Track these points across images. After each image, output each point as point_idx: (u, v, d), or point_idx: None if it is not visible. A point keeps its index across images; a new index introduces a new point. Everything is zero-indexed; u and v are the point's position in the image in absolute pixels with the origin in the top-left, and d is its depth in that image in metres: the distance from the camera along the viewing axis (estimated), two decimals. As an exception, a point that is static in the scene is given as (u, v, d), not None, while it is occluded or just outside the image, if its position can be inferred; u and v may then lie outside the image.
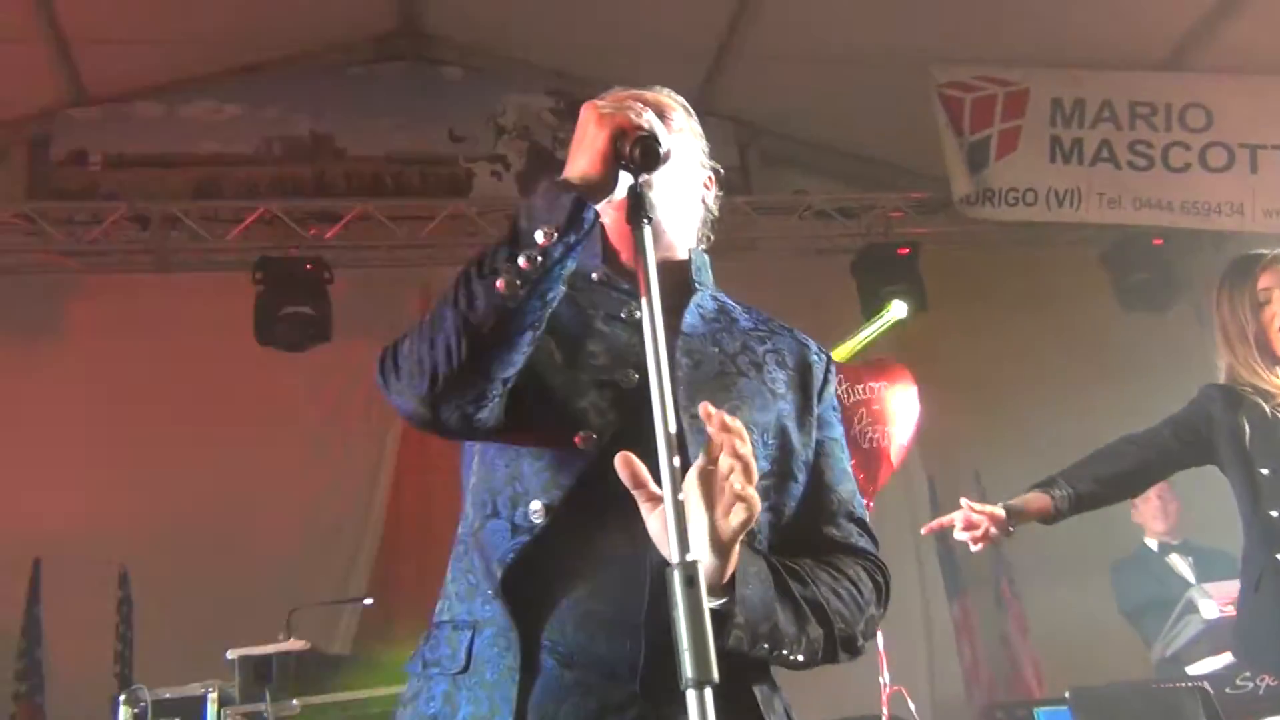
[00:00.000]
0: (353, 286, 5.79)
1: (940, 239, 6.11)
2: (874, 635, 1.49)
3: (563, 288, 1.39)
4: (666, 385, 1.17)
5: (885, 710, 3.71)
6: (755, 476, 1.22)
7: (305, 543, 5.59)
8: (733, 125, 6.83)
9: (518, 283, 1.32)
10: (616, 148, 1.33)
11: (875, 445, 4.22)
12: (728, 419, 1.22)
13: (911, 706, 3.71)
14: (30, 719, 4.75)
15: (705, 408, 1.23)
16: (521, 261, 1.32)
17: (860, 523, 1.56)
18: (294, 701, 3.55)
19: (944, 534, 5.84)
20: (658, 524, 1.24)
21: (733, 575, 1.27)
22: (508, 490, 1.45)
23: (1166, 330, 6.17)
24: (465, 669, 1.40)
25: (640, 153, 1.32)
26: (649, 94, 1.65)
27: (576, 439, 1.42)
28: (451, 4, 6.41)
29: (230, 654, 3.60)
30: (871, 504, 3.96)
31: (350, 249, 5.83)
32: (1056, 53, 5.94)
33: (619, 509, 1.29)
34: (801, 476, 1.52)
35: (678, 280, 1.60)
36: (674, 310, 1.53)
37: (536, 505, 1.41)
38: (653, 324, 1.20)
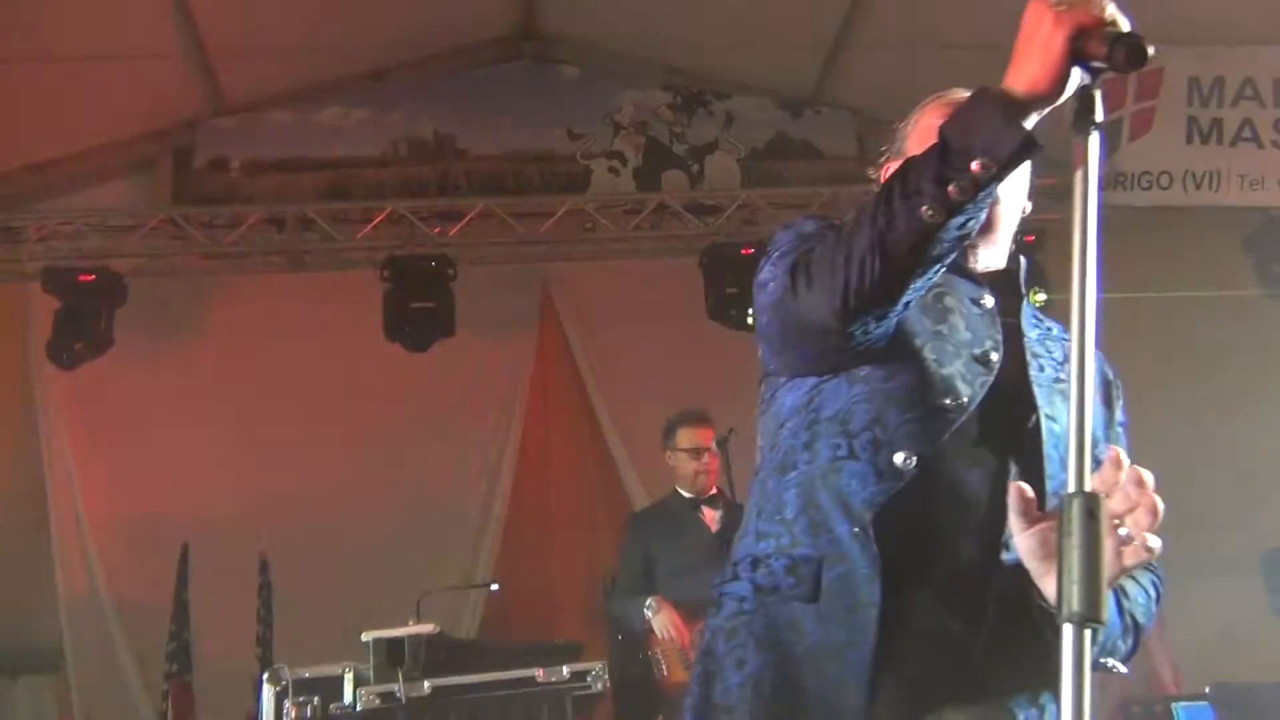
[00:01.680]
0: (476, 282, 5.93)
1: (1068, 226, 5.90)
2: None
3: (984, 215, 1.35)
4: (1090, 306, 1.08)
5: None
6: (1157, 518, 1.21)
7: (433, 531, 5.77)
8: (850, 115, 6.77)
9: (944, 209, 1.29)
10: (1077, 47, 1.20)
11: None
12: (1125, 462, 1.21)
13: None
14: (180, 697, 5.01)
15: (1117, 453, 1.22)
16: (951, 189, 1.28)
17: None
18: (425, 683, 3.66)
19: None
20: (1030, 543, 1.29)
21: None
22: (867, 435, 1.46)
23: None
24: (813, 598, 1.44)
25: (1126, 52, 1.16)
26: None
27: (947, 400, 1.45)
28: (568, 5, 6.51)
29: (365, 636, 3.74)
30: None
31: (473, 246, 5.97)
32: (1193, 29, 5.69)
33: (972, 477, 1.44)
34: None
35: (1007, 284, 1.61)
36: (1010, 312, 1.57)
37: (902, 456, 1.43)
38: (1083, 245, 1.11)
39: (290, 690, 3.57)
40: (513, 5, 6.56)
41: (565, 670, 3.73)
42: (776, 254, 1.53)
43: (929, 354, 1.48)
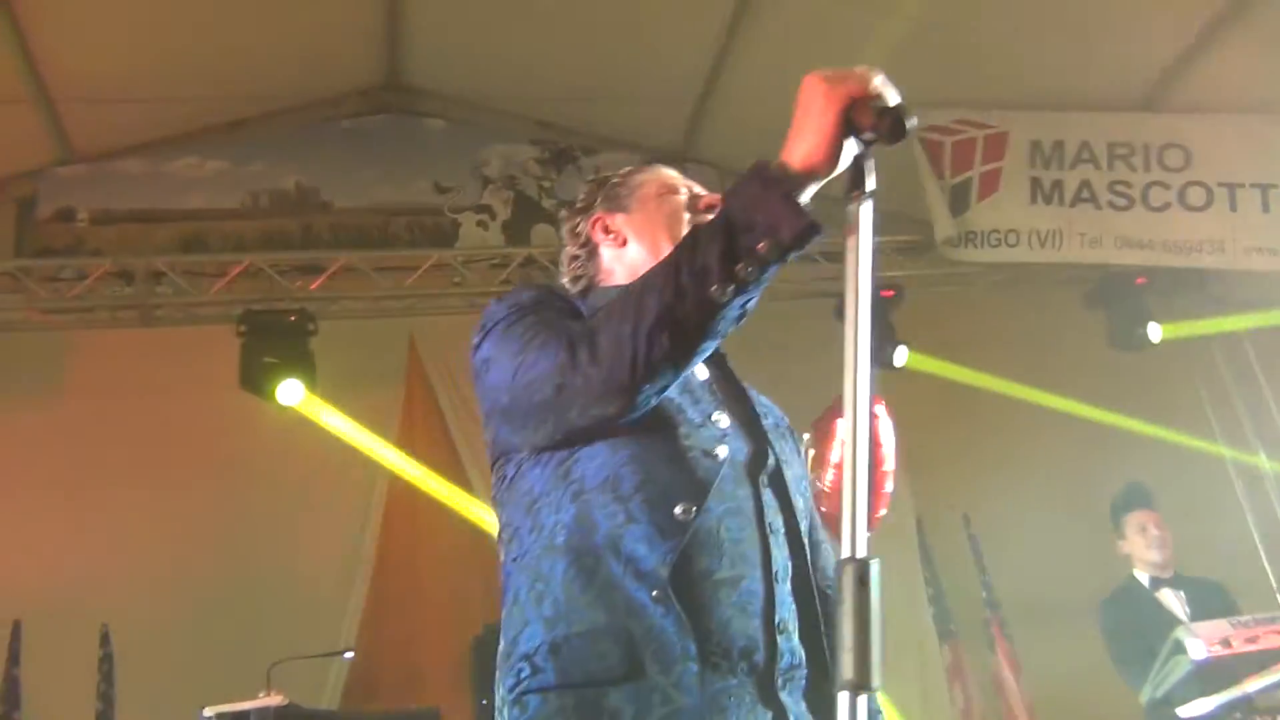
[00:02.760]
0: (339, 337, 5.79)
1: (924, 281, 6.13)
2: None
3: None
4: (865, 370, 1.14)
5: None
6: None
7: (291, 597, 5.54)
8: (716, 173, 6.88)
9: (732, 287, 1.32)
10: (849, 119, 1.27)
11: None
12: None
13: None
14: (9, 782, 4.69)
15: None
16: (738, 268, 1.31)
17: None
18: (273, 760, 3.50)
19: (934, 573, 5.88)
20: None
21: None
22: (640, 495, 1.47)
23: (1151, 368, 6.17)
24: (629, 675, 1.38)
25: (890, 123, 1.25)
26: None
27: (712, 451, 1.52)
28: (435, 57, 6.48)
29: (207, 711, 3.56)
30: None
31: (335, 299, 5.83)
32: (1034, 95, 6.00)
33: (738, 519, 1.51)
34: None
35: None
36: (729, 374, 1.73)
37: (681, 508, 1.46)
38: (856, 310, 1.15)
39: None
40: (377, 57, 6.50)
41: (426, 741, 3.61)
42: (499, 328, 1.55)
43: (688, 412, 1.55)
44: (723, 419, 1.61)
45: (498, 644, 1.52)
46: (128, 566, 5.21)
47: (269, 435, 5.69)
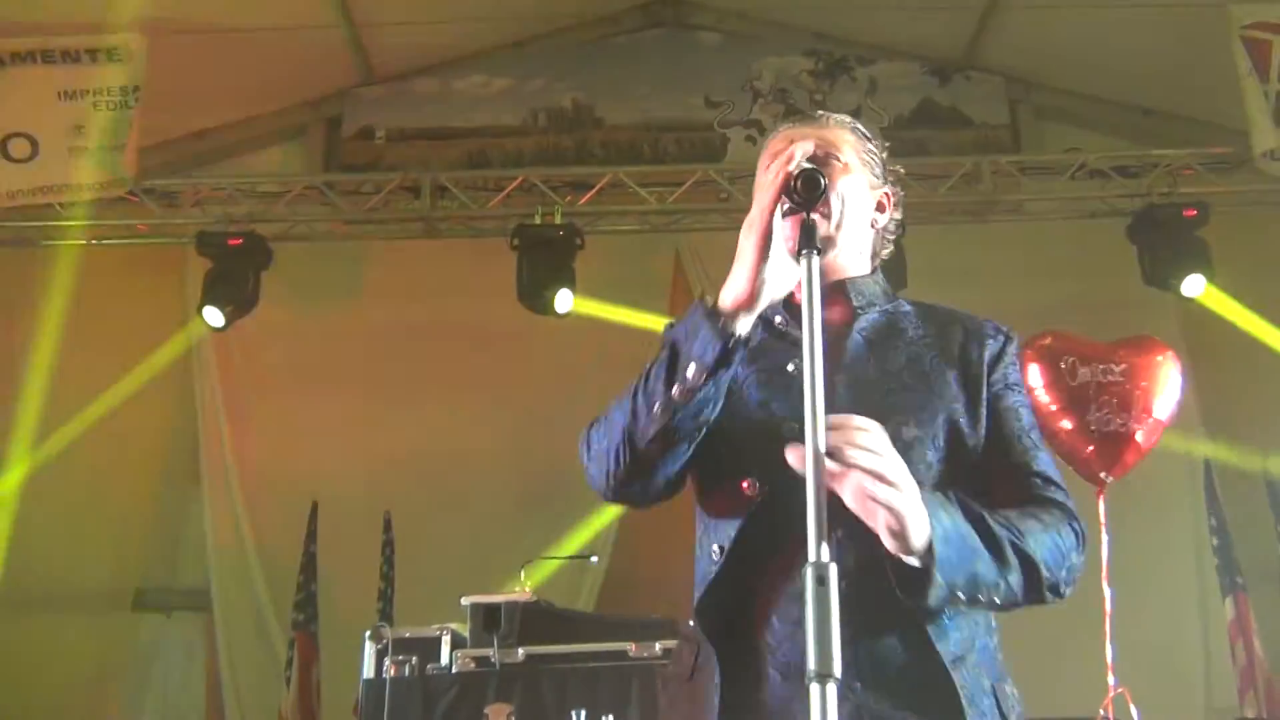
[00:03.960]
0: (607, 251, 5.93)
1: (1234, 200, 5.47)
2: (1074, 582, 1.51)
3: (719, 404, 1.49)
4: (820, 398, 1.26)
5: (1104, 713, 3.39)
6: (889, 482, 1.31)
7: (557, 500, 5.80)
8: (1003, 80, 6.44)
9: (671, 408, 1.46)
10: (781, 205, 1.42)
11: (1118, 429, 3.84)
12: (856, 421, 1.33)
13: (1135, 712, 3.37)
14: (305, 646, 5.26)
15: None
16: (675, 390, 1.45)
17: (1044, 478, 1.59)
18: (519, 650, 3.71)
19: (1221, 520, 5.33)
20: (847, 498, 1.36)
21: (929, 537, 1.34)
22: (699, 532, 1.65)
23: None
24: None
25: (800, 188, 1.41)
26: (823, 131, 1.70)
27: (744, 485, 1.55)
28: (709, -31, 6.40)
29: (464, 600, 3.81)
30: (1103, 491, 3.61)
31: (602, 214, 5.96)
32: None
33: (783, 546, 1.49)
34: (978, 459, 1.59)
35: (845, 307, 1.69)
36: (838, 339, 1.63)
37: (715, 548, 1.57)
38: (811, 354, 1.28)
39: (390, 649, 3.67)
40: (655, -30, 6.50)
41: (658, 646, 3.71)
42: None
43: (730, 441, 1.59)
44: (785, 433, 1.63)
45: None
46: (412, 459, 5.65)
47: (543, 343, 5.95)
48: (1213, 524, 5.28)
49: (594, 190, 5.94)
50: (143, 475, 6.17)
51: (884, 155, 1.77)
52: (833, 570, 1.16)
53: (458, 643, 3.73)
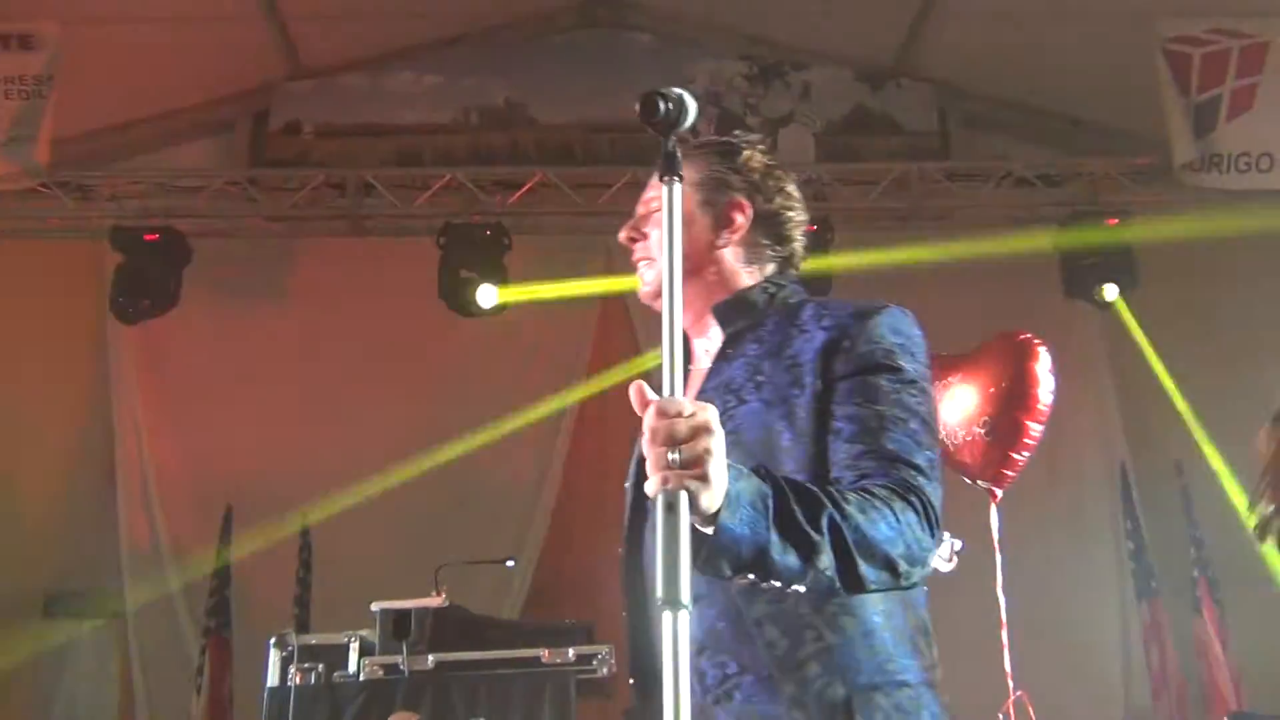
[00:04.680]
0: (534, 251, 5.86)
1: (1156, 208, 5.55)
2: (923, 562, 1.42)
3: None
4: (678, 331, 1.27)
5: (1003, 716, 3.40)
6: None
7: (478, 504, 5.74)
8: (932, 88, 6.47)
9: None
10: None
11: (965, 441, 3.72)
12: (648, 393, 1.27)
13: (1032, 715, 3.38)
14: (217, 652, 5.13)
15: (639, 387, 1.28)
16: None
17: (890, 456, 1.49)
18: (429, 657, 3.63)
19: (1136, 525, 5.40)
20: None
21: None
22: None
23: None
24: None
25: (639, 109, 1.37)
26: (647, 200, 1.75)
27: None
28: (643, -31, 6.37)
29: (374, 606, 3.72)
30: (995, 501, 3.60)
31: (530, 214, 5.90)
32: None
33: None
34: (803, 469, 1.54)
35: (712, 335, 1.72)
36: (716, 364, 1.69)
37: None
38: (671, 289, 1.28)
39: (296, 656, 3.58)
40: (589, -30, 6.45)
41: (571, 652, 3.66)
42: None
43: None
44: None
45: None
46: (329, 462, 5.52)
47: (466, 347, 5.86)
48: (1128, 528, 5.35)
49: (523, 190, 5.88)
50: (54, 477, 5.99)
51: (760, 159, 1.75)
52: (683, 497, 1.17)
53: (366, 650, 3.65)
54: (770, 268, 1.75)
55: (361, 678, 3.56)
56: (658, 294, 1.64)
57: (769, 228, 1.73)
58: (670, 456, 1.21)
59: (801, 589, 1.36)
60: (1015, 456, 3.56)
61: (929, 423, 1.54)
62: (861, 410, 1.53)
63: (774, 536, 1.30)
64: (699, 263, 1.68)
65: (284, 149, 6.49)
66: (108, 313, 5.68)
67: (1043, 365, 3.62)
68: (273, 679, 3.60)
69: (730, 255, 1.71)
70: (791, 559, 1.32)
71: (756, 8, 6.37)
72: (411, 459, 5.63)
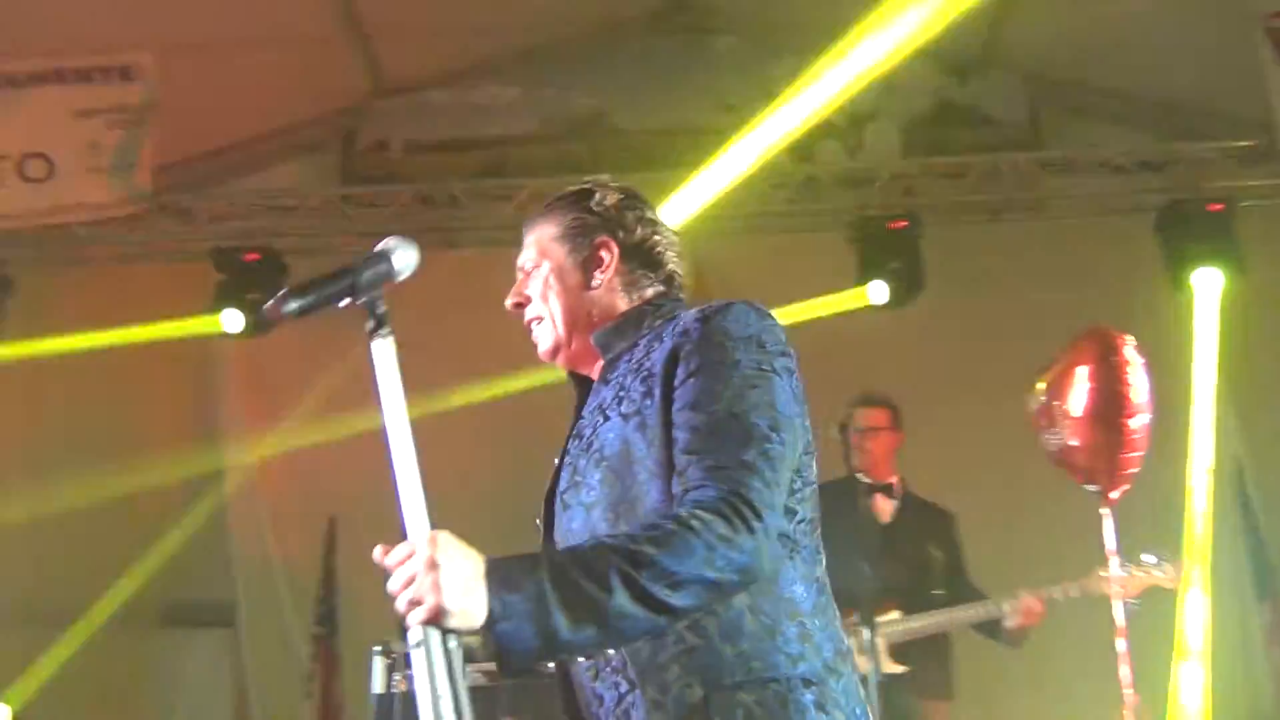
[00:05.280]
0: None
1: (1262, 193, 5.35)
2: (747, 566, 1.39)
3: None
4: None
5: None
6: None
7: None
8: (1020, 79, 6.33)
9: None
10: None
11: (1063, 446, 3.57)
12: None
13: None
14: (326, 659, 5.27)
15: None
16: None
17: (715, 464, 1.47)
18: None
19: (1253, 523, 5.19)
20: None
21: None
22: None
23: None
24: None
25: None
26: (526, 238, 1.93)
27: None
28: (721, -30, 6.35)
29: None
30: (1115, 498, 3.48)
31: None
32: None
33: None
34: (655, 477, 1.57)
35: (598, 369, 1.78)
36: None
37: None
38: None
39: (400, 664, 3.65)
40: (665, -25, 6.46)
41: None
42: None
43: None
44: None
45: None
46: (431, 476, 5.59)
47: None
48: (1244, 524, 5.17)
49: (606, 198, 5.89)
50: (169, 492, 6.20)
51: (614, 196, 1.83)
52: (432, 634, 1.34)
53: (470, 656, 3.70)
54: (650, 293, 1.81)
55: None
56: (553, 353, 1.81)
57: (639, 257, 1.81)
58: (406, 598, 1.34)
59: (613, 648, 1.49)
60: (1124, 457, 3.45)
61: (769, 412, 1.52)
62: (694, 416, 1.53)
63: (560, 620, 1.34)
64: (582, 310, 1.78)
65: (373, 166, 6.65)
66: (214, 331, 5.87)
67: (1135, 361, 3.51)
68: (378, 686, 3.68)
69: (606, 292, 1.78)
70: (589, 631, 1.35)
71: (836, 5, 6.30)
72: (511, 467, 5.71)
